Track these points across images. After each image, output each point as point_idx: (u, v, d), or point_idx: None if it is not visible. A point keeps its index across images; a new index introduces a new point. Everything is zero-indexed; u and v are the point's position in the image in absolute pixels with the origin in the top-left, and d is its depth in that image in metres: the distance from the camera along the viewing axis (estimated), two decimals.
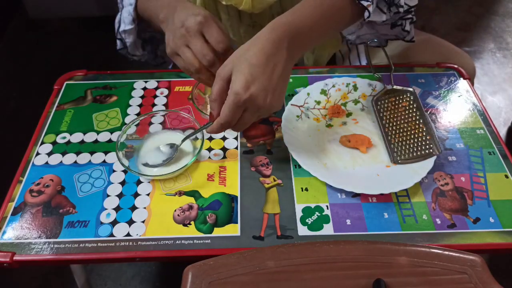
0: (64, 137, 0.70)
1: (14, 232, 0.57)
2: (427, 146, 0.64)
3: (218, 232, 0.57)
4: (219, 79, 0.56)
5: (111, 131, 0.71)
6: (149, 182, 0.63)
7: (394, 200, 0.60)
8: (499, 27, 1.97)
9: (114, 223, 0.58)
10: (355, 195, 0.61)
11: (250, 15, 0.78)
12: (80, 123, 0.72)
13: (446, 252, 0.46)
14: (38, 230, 0.57)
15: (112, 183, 0.63)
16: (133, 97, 0.76)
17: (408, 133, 0.67)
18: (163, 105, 0.75)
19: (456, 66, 0.80)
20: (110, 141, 0.69)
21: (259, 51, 0.55)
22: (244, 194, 0.62)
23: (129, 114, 0.73)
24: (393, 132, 0.68)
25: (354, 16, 0.66)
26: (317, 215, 0.59)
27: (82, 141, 0.69)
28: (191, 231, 0.57)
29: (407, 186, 0.60)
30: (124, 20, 0.72)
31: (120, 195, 0.61)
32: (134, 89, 0.78)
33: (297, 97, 0.72)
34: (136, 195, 0.61)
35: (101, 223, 0.58)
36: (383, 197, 0.61)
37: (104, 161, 0.66)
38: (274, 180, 0.63)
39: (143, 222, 0.58)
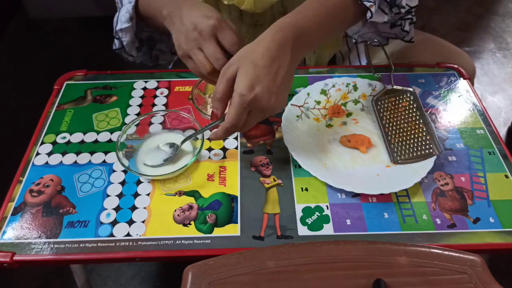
0: (64, 137, 0.70)
1: (14, 232, 0.57)
2: (427, 146, 0.64)
3: (218, 232, 0.57)
4: (224, 79, 0.56)
5: (111, 131, 0.71)
6: (149, 182, 0.63)
7: (394, 200, 0.60)
8: (499, 27, 1.97)
9: (114, 223, 0.58)
10: (355, 195, 0.61)
11: (252, 14, 0.78)
12: (80, 123, 0.72)
13: (446, 252, 0.46)
14: (38, 230, 0.57)
15: (112, 183, 0.63)
16: (133, 97, 0.76)
17: (408, 133, 0.67)
18: (163, 105, 0.75)
19: (456, 66, 0.80)
20: (110, 141, 0.69)
21: (264, 52, 0.55)
22: (244, 194, 0.62)
23: (129, 114, 0.73)
24: (393, 132, 0.68)
25: (356, 17, 0.66)
26: (317, 215, 0.59)
27: (82, 141, 0.69)
28: (191, 231, 0.57)
29: (407, 186, 0.60)
30: (121, 19, 0.72)
31: (120, 195, 0.61)
32: (134, 89, 0.78)
33: (297, 97, 0.72)
34: (136, 195, 0.61)
35: (101, 223, 0.58)
36: (383, 197, 0.61)
37: (104, 161, 0.66)
38: (274, 180, 0.63)
39: (143, 222, 0.58)
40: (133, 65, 0.85)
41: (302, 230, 0.57)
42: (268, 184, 0.63)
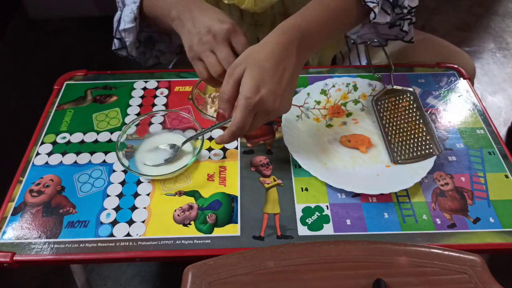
0: (64, 137, 0.70)
1: (14, 232, 0.57)
2: (427, 146, 0.64)
3: (218, 232, 0.57)
4: (232, 80, 0.56)
5: (111, 131, 0.71)
6: (149, 182, 0.63)
7: (394, 200, 0.60)
8: (499, 27, 1.97)
9: (114, 223, 0.58)
10: (355, 195, 0.61)
11: (252, 14, 0.78)
12: (80, 123, 0.72)
13: (446, 252, 0.46)
14: (38, 230, 0.57)
15: (112, 183, 0.63)
16: (133, 97, 0.76)
17: (408, 133, 0.67)
18: (163, 105, 0.75)
19: (456, 66, 0.80)
20: (110, 141, 0.69)
21: (269, 54, 0.55)
22: (244, 194, 0.62)
23: (129, 114, 0.73)
24: (393, 132, 0.68)
25: (359, 18, 0.66)
26: (317, 215, 0.59)
27: (82, 141, 0.69)
28: (191, 231, 0.57)
29: (407, 186, 0.60)
30: (125, 19, 0.72)
31: (120, 195, 0.61)
32: (134, 89, 0.78)
33: (297, 97, 0.72)
34: (136, 195, 0.61)
35: (101, 223, 0.58)
36: (383, 197, 0.61)
37: (104, 161, 0.66)
38: (274, 180, 0.63)
39: (143, 222, 0.58)
40: (133, 65, 0.85)
41: (302, 230, 0.57)
42: (268, 184, 0.63)
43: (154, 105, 0.75)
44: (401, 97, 0.71)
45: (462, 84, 0.78)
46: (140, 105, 0.75)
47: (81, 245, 0.56)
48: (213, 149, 0.68)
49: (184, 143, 0.65)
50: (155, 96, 0.76)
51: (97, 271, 1.15)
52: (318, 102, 0.73)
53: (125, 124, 0.71)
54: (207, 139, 0.69)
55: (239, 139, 0.69)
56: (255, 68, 0.55)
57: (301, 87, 0.75)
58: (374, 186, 0.60)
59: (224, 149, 0.68)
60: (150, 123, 0.70)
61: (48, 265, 1.09)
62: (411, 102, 0.69)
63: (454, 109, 0.73)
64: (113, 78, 0.80)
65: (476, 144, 0.68)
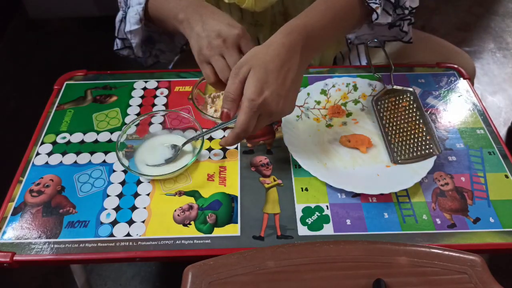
0: (64, 137, 0.70)
1: (14, 232, 0.57)
2: (427, 146, 0.64)
3: (218, 232, 0.57)
4: (237, 80, 0.56)
5: (111, 131, 0.71)
6: (149, 182, 0.63)
7: (394, 200, 0.60)
8: (499, 27, 1.97)
9: (114, 223, 0.58)
10: (355, 195, 0.61)
11: (252, 14, 0.78)
12: (80, 123, 0.72)
13: (446, 252, 0.46)
14: (38, 230, 0.57)
15: (112, 183, 0.63)
16: (133, 97, 0.76)
17: (408, 133, 0.67)
18: (163, 105, 0.75)
19: (456, 66, 0.80)
20: (110, 141, 0.69)
21: (274, 56, 0.55)
22: (244, 194, 0.62)
23: (129, 114, 0.73)
24: (393, 132, 0.68)
25: (362, 18, 0.66)
26: (317, 215, 0.59)
27: (82, 141, 0.69)
28: (191, 231, 0.57)
29: (407, 186, 0.60)
30: (130, 20, 0.71)
31: (120, 195, 0.61)
32: (134, 89, 0.78)
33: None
34: (136, 195, 0.61)
35: (101, 223, 0.58)
36: (383, 197, 0.61)
37: (104, 161, 0.66)
38: (274, 180, 0.63)
39: (143, 222, 0.58)
40: (133, 65, 0.85)
41: (302, 230, 0.57)
42: (268, 184, 0.63)
43: (154, 105, 0.75)
44: (401, 97, 0.71)
45: (462, 84, 0.78)
46: (140, 105, 0.75)
47: (81, 245, 0.56)
48: (213, 149, 0.68)
49: (185, 143, 0.65)
50: (155, 96, 0.76)
51: (97, 271, 1.15)
52: (318, 102, 0.73)
53: (125, 124, 0.71)
54: (207, 139, 0.69)
55: None
56: (259, 69, 0.55)
57: (301, 87, 0.75)
58: (374, 186, 0.60)
59: (224, 149, 0.68)
60: (150, 123, 0.70)
61: (48, 265, 1.09)
62: (411, 102, 0.69)
63: (454, 109, 0.73)
64: (113, 78, 0.80)
65: (476, 144, 0.68)
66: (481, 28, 1.97)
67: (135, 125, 0.68)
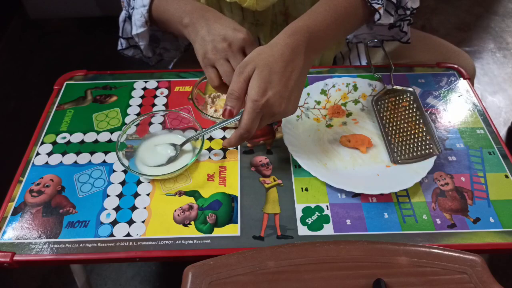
0: (64, 137, 0.70)
1: (14, 232, 0.57)
2: (427, 146, 0.64)
3: (218, 232, 0.57)
4: (241, 78, 0.56)
5: (111, 131, 0.71)
6: (149, 182, 0.63)
7: (394, 200, 0.60)
8: (499, 27, 1.97)
9: (114, 223, 0.58)
10: (355, 195, 0.61)
11: (253, 13, 0.78)
12: (80, 123, 0.72)
13: (446, 252, 0.46)
14: (38, 230, 0.57)
15: (112, 183, 0.63)
16: (133, 97, 0.76)
17: (408, 133, 0.67)
18: (163, 105, 0.75)
19: (456, 66, 0.80)
20: (110, 141, 0.69)
21: (278, 56, 0.56)
22: (244, 194, 0.62)
23: (129, 114, 0.73)
24: (393, 132, 0.68)
25: (364, 19, 0.66)
26: (317, 215, 0.59)
27: (82, 141, 0.69)
28: (191, 231, 0.57)
29: (407, 186, 0.60)
30: (136, 23, 0.72)
31: (120, 195, 0.61)
32: (134, 89, 0.78)
33: None
34: (136, 195, 0.61)
35: (101, 223, 0.58)
36: (383, 197, 0.61)
37: (104, 161, 0.66)
38: (274, 180, 0.63)
39: (143, 222, 0.58)
40: (133, 65, 0.85)
41: (302, 230, 0.57)
42: (268, 184, 0.63)
43: (154, 105, 0.75)
44: (401, 97, 0.71)
45: (462, 84, 0.78)
46: (140, 105, 0.75)
47: (81, 245, 0.56)
48: (213, 149, 0.68)
49: (184, 142, 0.65)
50: (155, 96, 0.76)
51: (97, 271, 1.15)
52: (318, 102, 0.73)
53: (125, 124, 0.71)
54: (207, 139, 0.69)
55: None
56: (264, 69, 0.55)
57: None
58: (374, 186, 0.60)
59: (224, 149, 0.68)
60: (150, 123, 0.70)
61: (48, 265, 1.09)
62: (411, 102, 0.70)
63: (454, 109, 0.73)
64: (113, 78, 0.80)
65: (476, 144, 0.68)
66: (481, 28, 1.97)
67: (135, 125, 0.68)
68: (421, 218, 0.58)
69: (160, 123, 0.70)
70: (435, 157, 0.63)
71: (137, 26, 0.72)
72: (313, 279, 0.45)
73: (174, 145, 0.66)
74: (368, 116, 0.72)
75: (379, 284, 0.43)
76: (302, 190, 0.62)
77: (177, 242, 0.56)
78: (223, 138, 0.69)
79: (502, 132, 1.53)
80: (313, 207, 0.60)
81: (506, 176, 0.63)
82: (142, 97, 0.76)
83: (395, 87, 0.71)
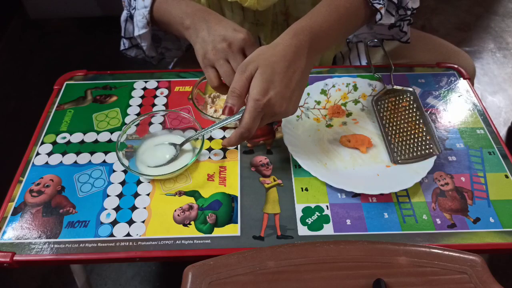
0: (64, 137, 0.70)
1: (14, 232, 0.57)
2: (427, 146, 0.64)
3: (218, 232, 0.57)
4: (244, 77, 0.56)
5: (111, 131, 0.71)
6: (149, 182, 0.63)
7: (394, 200, 0.60)
8: (499, 27, 1.97)
9: (114, 223, 0.58)
10: (355, 195, 0.61)
11: (254, 13, 0.78)
12: (80, 123, 0.72)
13: (446, 252, 0.46)
14: (38, 230, 0.57)
15: (112, 183, 0.63)
16: (133, 97, 0.76)
17: (408, 133, 0.67)
18: (163, 105, 0.75)
19: (456, 66, 0.80)
20: (110, 141, 0.69)
21: (281, 57, 0.56)
22: (244, 194, 0.62)
23: (129, 114, 0.73)
24: (393, 132, 0.68)
25: (365, 19, 0.67)
26: (317, 215, 0.59)
27: (82, 141, 0.69)
28: (191, 231, 0.57)
29: (407, 186, 0.60)
30: (138, 24, 0.72)
31: (120, 195, 0.61)
32: (134, 89, 0.78)
33: None
34: (136, 195, 0.61)
35: (101, 223, 0.58)
36: (383, 197, 0.61)
37: (104, 161, 0.66)
38: (274, 180, 0.63)
39: (143, 222, 0.58)
40: (133, 65, 0.85)
41: (302, 230, 0.57)
42: (268, 184, 0.63)
43: (154, 105, 0.75)
44: (401, 97, 0.71)
45: (462, 84, 0.78)
46: (140, 105, 0.75)
47: (81, 245, 0.56)
48: (213, 149, 0.68)
49: (184, 142, 0.65)
50: (155, 96, 0.76)
51: (97, 271, 1.15)
52: (318, 102, 0.73)
53: (125, 124, 0.71)
54: (207, 139, 0.69)
55: None
56: (266, 69, 0.55)
57: None
58: (374, 186, 0.60)
59: (224, 149, 0.68)
60: (150, 123, 0.70)
61: (48, 265, 1.09)
62: (411, 102, 0.70)
63: (454, 109, 0.73)
64: (113, 78, 0.80)
65: (476, 144, 0.68)
66: (481, 28, 1.97)
67: (135, 125, 0.68)
68: (421, 218, 0.58)
69: (160, 123, 0.70)
70: (435, 157, 0.63)
71: (139, 28, 0.72)
72: (313, 279, 0.45)
73: (174, 145, 0.66)
74: (368, 116, 0.72)
75: (379, 284, 0.43)
76: (302, 190, 0.62)
77: (177, 242, 0.56)
78: (223, 138, 0.69)
79: (502, 132, 1.53)
80: (313, 207, 0.60)
81: (506, 176, 0.63)
82: (142, 97, 0.76)
83: (395, 87, 0.71)
